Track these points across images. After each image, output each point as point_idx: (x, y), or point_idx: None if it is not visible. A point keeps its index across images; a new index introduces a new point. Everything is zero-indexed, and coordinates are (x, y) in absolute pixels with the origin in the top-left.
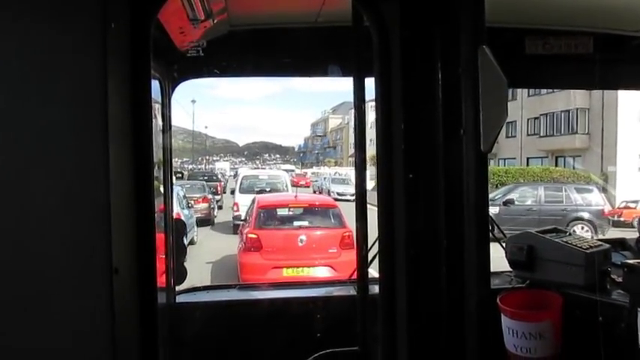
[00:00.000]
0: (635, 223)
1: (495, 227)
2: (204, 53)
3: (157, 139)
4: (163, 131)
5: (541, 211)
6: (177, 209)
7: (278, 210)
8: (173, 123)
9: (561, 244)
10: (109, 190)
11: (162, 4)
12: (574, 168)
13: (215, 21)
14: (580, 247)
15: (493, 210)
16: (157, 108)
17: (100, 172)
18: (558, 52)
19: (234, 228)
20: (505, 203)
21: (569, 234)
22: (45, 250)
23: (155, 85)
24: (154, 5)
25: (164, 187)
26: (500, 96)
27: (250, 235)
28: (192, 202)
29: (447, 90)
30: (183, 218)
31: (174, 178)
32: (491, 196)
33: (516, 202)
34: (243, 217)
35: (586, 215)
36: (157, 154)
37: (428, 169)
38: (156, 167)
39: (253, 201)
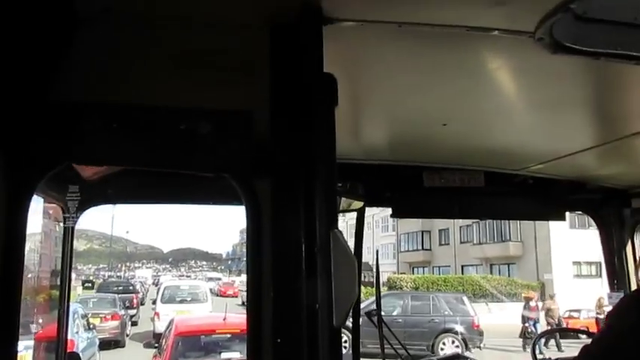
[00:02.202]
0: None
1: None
2: (110, 181)
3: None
4: (63, 263)
5: (407, 323)
6: (71, 334)
7: (202, 337)
8: (89, 227)
9: None
10: None
11: (41, 180)
12: (509, 275)
13: None
14: None
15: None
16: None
17: None
18: (453, 185)
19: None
20: (368, 315)
21: None
22: None
23: (58, 211)
24: (31, 185)
25: (59, 314)
26: (351, 274)
27: None
28: (100, 319)
29: (308, 266)
30: (79, 346)
31: (80, 289)
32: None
33: (373, 313)
34: (162, 331)
35: (456, 327)
36: (54, 278)
37: (294, 335)
38: (52, 280)
39: (170, 323)
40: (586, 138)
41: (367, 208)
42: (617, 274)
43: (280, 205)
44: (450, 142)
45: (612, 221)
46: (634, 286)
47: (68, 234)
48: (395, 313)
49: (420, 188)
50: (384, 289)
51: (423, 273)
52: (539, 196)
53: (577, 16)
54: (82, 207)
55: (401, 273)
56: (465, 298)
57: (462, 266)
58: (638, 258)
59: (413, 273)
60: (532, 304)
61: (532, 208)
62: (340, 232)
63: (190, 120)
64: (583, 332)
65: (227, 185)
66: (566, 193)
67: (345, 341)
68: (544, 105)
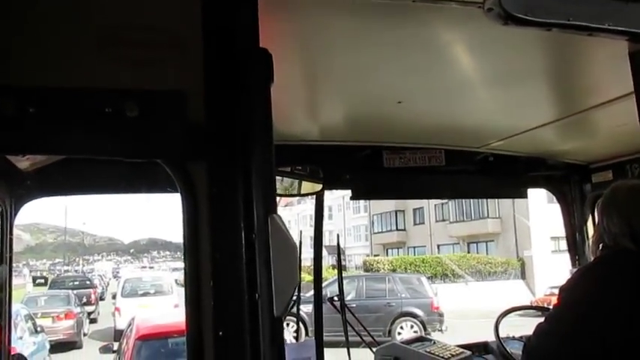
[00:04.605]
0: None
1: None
2: (50, 173)
3: None
4: (1, 260)
5: (362, 308)
6: (13, 341)
7: (169, 339)
8: (41, 220)
9: (424, 355)
10: None
11: None
12: (487, 254)
13: None
14: (441, 356)
15: (306, 309)
16: None
17: None
18: (414, 164)
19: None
20: (330, 300)
21: (434, 342)
22: None
23: None
24: None
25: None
26: (291, 261)
27: None
28: (52, 318)
29: (248, 254)
30: (23, 353)
31: (30, 286)
32: (308, 294)
33: (336, 299)
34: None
35: (413, 309)
36: None
37: (236, 328)
38: None
39: (130, 323)
40: (545, 112)
41: (339, 190)
42: (578, 250)
43: (217, 189)
44: (408, 121)
45: (573, 197)
46: None
47: (6, 234)
48: (349, 298)
49: (379, 169)
50: (359, 273)
51: (398, 254)
52: (500, 173)
53: None
54: (21, 201)
55: (375, 255)
56: (423, 279)
57: (438, 246)
58: (590, 233)
59: (387, 255)
60: None
61: (493, 186)
62: (279, 216)
63: (117, 102)
64: (543, 309)
65: (164, 173)
66: (527, 169)
67: (296, 330)
68: (501, 79)
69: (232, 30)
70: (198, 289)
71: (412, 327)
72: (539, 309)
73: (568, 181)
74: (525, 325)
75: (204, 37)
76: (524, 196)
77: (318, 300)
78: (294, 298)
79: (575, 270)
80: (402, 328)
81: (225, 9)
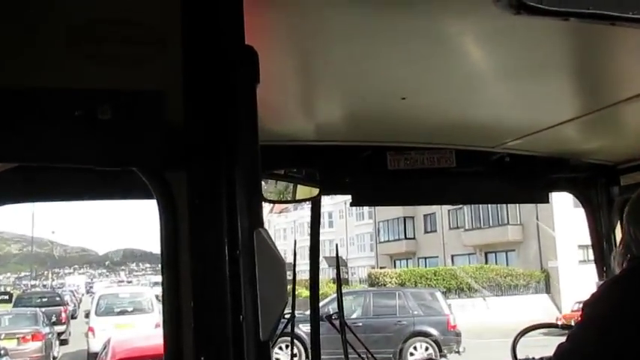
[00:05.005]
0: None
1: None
2: (11, 179)
3: None
4: None
5: (367, 326)
6: None
7: None
8: (5, 229)
9: None
10: None
11: None
12: (507, 265)
13: None
14: None
15: (305, 328)
16: None
17: None
18: (421, 166)
19: None
20: (328, 318)
21: None
22: None
23: None
24: None
25: None
26: (279, 280)
27: None
28: (17, 340)
29: (232, 271)
30: None
31: None
32: (308, 312)
33: (335, 316)
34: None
35: (427, 328)
36: None
37: (219, 353)
38: None
39: (106, 346)
40: (567, 108)
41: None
42: (605, 261)
43: (199, 201)
44: (413, 118)
45: (600, 201)
46: None
47: None
48: (354, 316)
49: (382, 171)
50: (364, 287)
51: (407, 266)
52: (518, 175)
53: None
54: None
55: (381, 267)
56: (437, 294)
57: (452, 256)
58: (618, 241)
59: (395, 266)
60: None
61: (511, 190)
62: (266, 231)
63: (87, 104)
64: (565, 326)
65: (139, 178)
66: (548, 171)
67: (296, 355)
68: (517, 72)
69: (215, 25)
70: (177, 309)
71: (427, 349)
72: (561, 327)
73: (594, 183)
74: (548, 346)
75: (185, 33)
76: (545, 200)
77: (315, 318)
78: (287, 317)
79: (601, 283)
80: (415, 349)
81: (208, 2)
